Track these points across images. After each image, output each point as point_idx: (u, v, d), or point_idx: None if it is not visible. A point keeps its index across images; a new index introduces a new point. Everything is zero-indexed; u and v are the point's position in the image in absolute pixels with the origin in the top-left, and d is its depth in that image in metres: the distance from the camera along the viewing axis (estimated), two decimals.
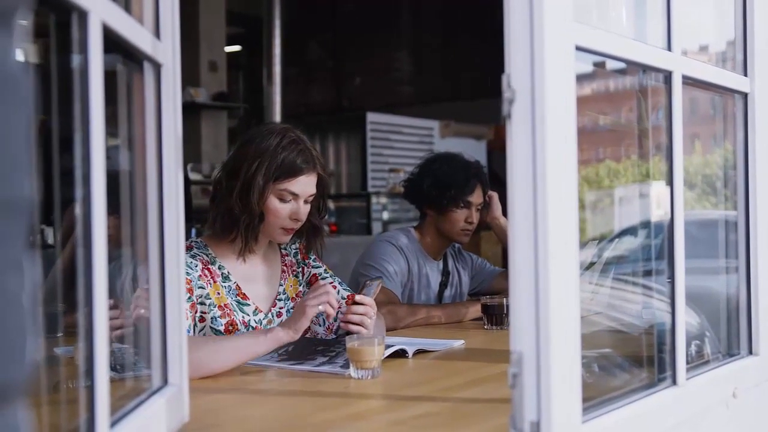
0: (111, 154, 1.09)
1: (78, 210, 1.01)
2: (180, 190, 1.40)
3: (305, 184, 2.19)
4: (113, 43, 1.11)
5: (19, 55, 0.58)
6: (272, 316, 2.26)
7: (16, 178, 0.55)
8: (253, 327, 2.19)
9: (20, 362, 0.57)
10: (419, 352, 2.16)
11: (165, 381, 1.37)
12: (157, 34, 1.34)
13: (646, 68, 1.55)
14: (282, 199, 2.17)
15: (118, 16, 1.11)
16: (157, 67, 1.34)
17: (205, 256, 2.17)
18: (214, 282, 2.16)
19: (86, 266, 1.00)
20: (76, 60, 1.01)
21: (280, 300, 2.30)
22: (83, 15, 0.99)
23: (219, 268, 2.19)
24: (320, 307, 1.96)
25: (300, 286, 2.36)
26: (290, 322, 1.97)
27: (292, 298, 2.33)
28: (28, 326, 0.58)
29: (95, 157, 1.01)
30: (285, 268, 2.35)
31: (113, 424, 1.09)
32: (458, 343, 2.33)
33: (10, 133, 0.54)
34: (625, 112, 2.02)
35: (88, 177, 1.00)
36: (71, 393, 1.35)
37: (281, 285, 2.32)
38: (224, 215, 2.17)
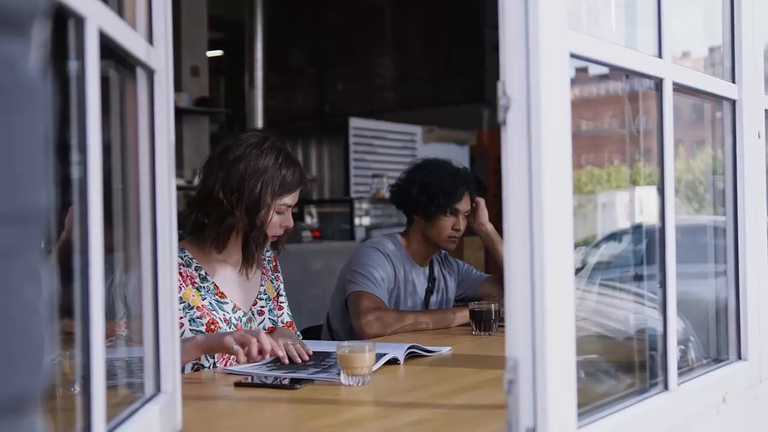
0: (102, 160, 1.09)
1: (75, 216, 1.00)
2: (173, 196, 1.39)
3: (297, 195, 2.33)
4: (107, 48, 1.11)
5: (36, 63, 0.57)
6: (253, 314, 2.35)
7: (35, 187, 0.55)
8: (234, 324, 2.26)
9: (38, 372, 0.57)
10: (410, 357, 2.16)
11: (158, 389, 1.36)
12: (150, 39, 1.34)
13: (637, 75, 1.56)
14: (279, 213, 2.29)
15: (114, 22, 1.11)
16: (150, 73, 1.33)
17: (179, 259, 2.20)
18: (187, 285, 2.22)
19: (82, 273, 0.99)
20: (72, 65, 1.01)
21: (261, 299, 2.39)
22: (80, 21, 0.98)
23: (196, 270, 2.26)
24: (235, 347, 1.92)
25: (275, 290, 2.47)
26: (208, 340, 2.00)
27: (273, 298, 2.43)
28: (45, 335, 0.57)
29: (92, 163, 1.00)
30: (264, 270, 2.45)
31: None
32: (446, 350, 2.33)
33: (29, 142, 0.54)
34: (608, 118, 2.03)
35: (84, 182, 0.99)
36: (60, 401, 1.34)
37: (262, 285, 2.41)
38: (227, 231, 2.25)
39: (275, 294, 2.46)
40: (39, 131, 0.56)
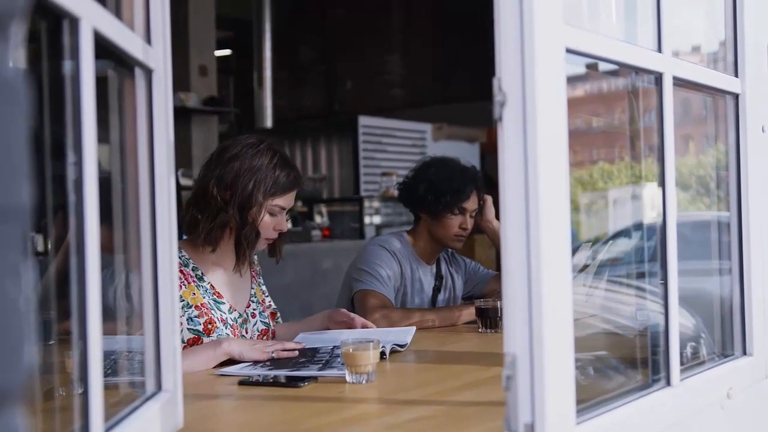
0: (101, 160, 1.09)
1: (71, 217, 1.01)
2: (172, 196, 1.39)
3: (292, 199, 2.36)
4: (104, 48, 1.11)
5: (15, 62, 0.58)
6: (247, 316, 2.39)
7: (16, 184, 0.56)
8: (230, 324, 2.30)
9: (19, 367, 0.57)
10: (404, 353, 2.21)
11: (159, 387, 1.37)
12: (148, 39, 1.34)
13: (636, 70, 1.55)
14: (272, 214, 2.31)
15: (110, 22, 1.11)
16: (148, 72, 1.34)
17: (177, 260, 2.22)
18: (189, 284, 2.26)
19: (79, 273, 1.00)
20: (67, 66, 1.01)
21: (253, 301, 2.44)
22: (75, 21, 0.99)
23: (193, 270, 2.30)
24: (274, 354, 2.11)
25: (263, 294, 2.51)
26: (245, 346, 2.11)
27: (261, 302, 2.47)
28: (26, 331, 0.58)
29: (87, 163, 1.00)
30: (254, 274, 2.49)
31: (107, 430, 1.09)
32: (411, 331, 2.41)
33: (10, 140, 0.54)
34: (618, 114, 2.03)
35: (80, 183, 1.00)
36: (63, 400, 1.35)
37: (252, 288, 2.46)
38: (220, 228, 2.27)
39: (263, 297, 2.50)
40: (19, 129, 0.56)
